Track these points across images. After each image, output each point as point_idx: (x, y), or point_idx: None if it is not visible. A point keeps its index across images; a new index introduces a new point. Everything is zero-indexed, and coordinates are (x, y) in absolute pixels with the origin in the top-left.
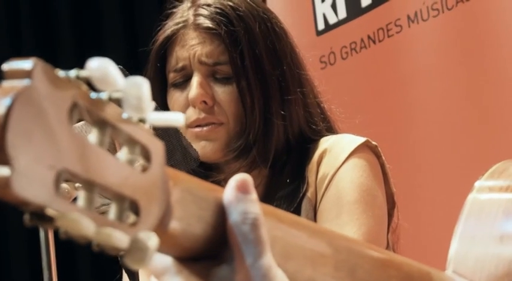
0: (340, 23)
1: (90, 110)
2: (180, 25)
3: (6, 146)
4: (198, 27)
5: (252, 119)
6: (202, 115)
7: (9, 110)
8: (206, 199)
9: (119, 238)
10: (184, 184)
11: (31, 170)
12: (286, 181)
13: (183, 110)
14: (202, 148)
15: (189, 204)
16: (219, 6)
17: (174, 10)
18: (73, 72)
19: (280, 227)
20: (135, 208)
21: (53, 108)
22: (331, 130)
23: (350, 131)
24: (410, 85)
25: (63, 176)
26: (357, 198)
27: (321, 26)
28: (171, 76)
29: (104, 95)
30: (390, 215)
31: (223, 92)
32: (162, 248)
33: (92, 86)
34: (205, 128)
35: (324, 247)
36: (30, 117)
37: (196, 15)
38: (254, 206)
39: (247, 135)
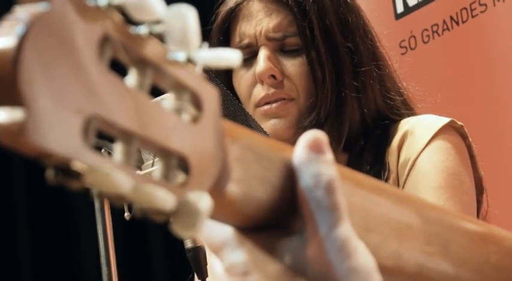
0: (420, 4)
1: (128, 46)
2: None
3: (20, 83)
4: None
5: (323, 93)
6: (272, 91)
7: (22, 39)
8: (271, 159)
9: (163, 198)
10: (245, 140)
11: (52, 113)
12: (366, 167)
13: (251, 88)
14: (272, 126)
15: (251, 163)
16: None
17: None
18: (103, 0)
19: (360, 193)
20: (184, 166)
21: (79, 41)
22: (409, 108)
23: (432, 111)
24: (498, 67)
25: (94, 124)
26: (442, 183)
27: (400, 8)
28: None
29: (143, 29)
30: (479, 202)
31: (292, 65)
32: (219, 216)
33: (128, 20)
34: (274, 105)
35: (412, 217)
36: (50, 49)
37: None
38: (329, 167)
39: (319, 111)
